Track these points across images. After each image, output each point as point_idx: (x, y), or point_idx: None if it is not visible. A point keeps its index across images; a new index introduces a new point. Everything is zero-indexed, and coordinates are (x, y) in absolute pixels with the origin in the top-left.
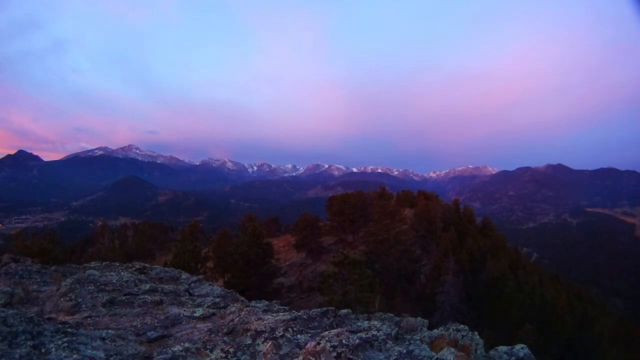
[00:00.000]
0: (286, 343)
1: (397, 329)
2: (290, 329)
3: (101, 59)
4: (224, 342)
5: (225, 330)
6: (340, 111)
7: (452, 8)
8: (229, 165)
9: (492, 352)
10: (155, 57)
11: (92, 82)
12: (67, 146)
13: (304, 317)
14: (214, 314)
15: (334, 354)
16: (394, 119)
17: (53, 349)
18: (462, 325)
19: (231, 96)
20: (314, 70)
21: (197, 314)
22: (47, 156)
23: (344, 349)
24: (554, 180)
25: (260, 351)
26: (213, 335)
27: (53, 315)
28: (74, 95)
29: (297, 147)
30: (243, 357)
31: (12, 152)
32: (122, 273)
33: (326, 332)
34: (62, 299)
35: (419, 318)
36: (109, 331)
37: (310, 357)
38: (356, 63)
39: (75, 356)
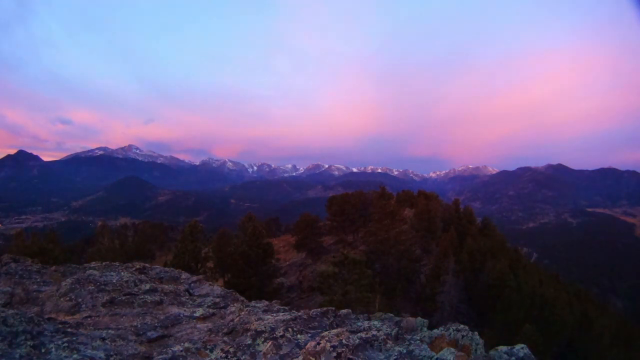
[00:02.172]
0: (286, 343)
1: (397, 329)
2: (290, 329)
3: (77, 29)
4: (224, 342)
5: (225, 330)
6: (359, 95)
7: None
8: (229, 165)
9: (492, 352)
10: (144, 26)
11: (70, 59)
12: (50, 143)
13: (304, 317)
14: (214, 314)
15: (334, 354)
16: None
17: (53, 349)
18: (462, 325)
19: (237, 80)
20: (335, 45)
21: (197, 314)
22: (47, 156)
23: (344, 349)
24: (554, 180)
25: (260, 351)
26: (213, 335)
27: (53, 315)
28: (51, 77)
29: (298, 147)
30: (243, 357)
31: (12, 152)
32: (122, 273)
33: (326, 332)
34: (62, 299)
35: (419, 318)
36: (109, 331)
37: (310, 357)
38: (388, 38)
39: (75, 356)
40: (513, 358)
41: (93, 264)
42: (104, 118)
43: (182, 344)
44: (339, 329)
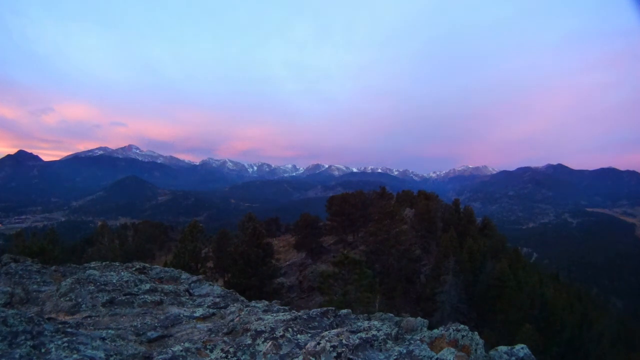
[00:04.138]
0: (286, 343)
1: (397, 329)
2: (290, 329)
3: None
4: (224, 342)
5: (225, 330)
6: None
7: None
8: (229, 165)
9: (492, 352)
10: None
11: (45, 32)
12: (33, 140)
13: (304, 317)
14: (214, 314)
15: (334, 354)
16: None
17: (53, 349)
18: (462, 325)
19: (247, 54)
20: (366, 14)
21: (197, 314)
22: (47, 156)
23: (344, 349)
24: (554, 180)
25: (260, 351)
26: (213, 335)
27: (53, 315)
28: (24, 55)
29: (298, 146)
30: (243, 357)
31: (13, 152)
32: (122, 273)
33: (326, 332)
34: (62, 299)
35: (419, 318)
36: (109, 331)
37: (310, 357)
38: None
39: (75, 356)
40: (513, 358)
41: (93, 264)
42: (94, 108)
43: (182, 344)
44: (339, 329)
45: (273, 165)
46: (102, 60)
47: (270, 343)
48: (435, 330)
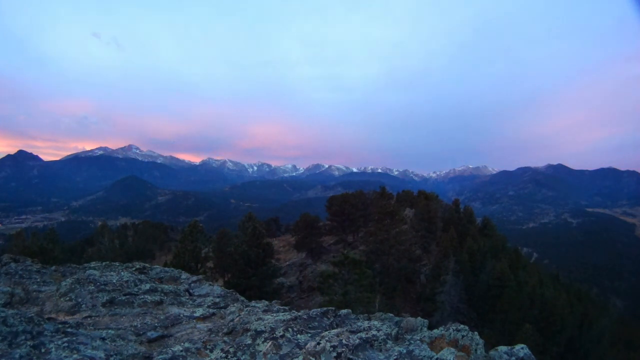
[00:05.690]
0: (286, 343)
1: (397, 329)
2: (290, 329)
3: None
4: (224, 342)
5: (225, 330)
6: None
7: None
8: (229, 165)
9: (492, 352)
10: None
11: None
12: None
13: (304, 317)
14: (214, 314)
15: (334, 354)
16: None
17: (53, 349)
18: (462, 325)
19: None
20: None
21: (197, 314)
22: (48, 155)
23: (344, 349)
24: (554, 180)
25: (260, 351)
26: (213, 335)
27: (53, 315)
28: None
29: (298, 146)
30: (243, 357)
31: (12, 151)
32: (122, 273)
33: (326, 332)
34: (62, 299)
35: (419, 318)
36: (109, 331)
37: (310, 357)
38: None
39: (75, 356)
40: (513, 358)
41: (93, 264)
42: (85, 101)
43: (182, 344)
44: (339, 329)
45: (273, 165)
46: (88, 42)
47: (270, 343)
48: (435, 330)
